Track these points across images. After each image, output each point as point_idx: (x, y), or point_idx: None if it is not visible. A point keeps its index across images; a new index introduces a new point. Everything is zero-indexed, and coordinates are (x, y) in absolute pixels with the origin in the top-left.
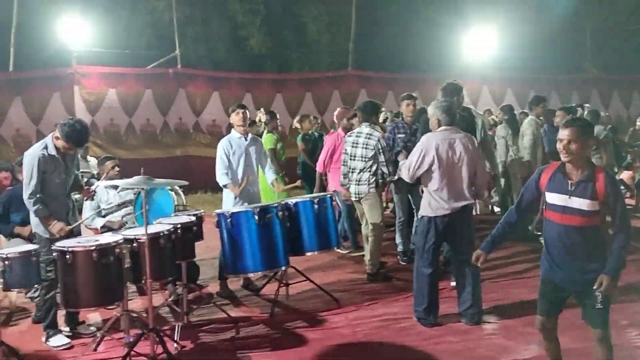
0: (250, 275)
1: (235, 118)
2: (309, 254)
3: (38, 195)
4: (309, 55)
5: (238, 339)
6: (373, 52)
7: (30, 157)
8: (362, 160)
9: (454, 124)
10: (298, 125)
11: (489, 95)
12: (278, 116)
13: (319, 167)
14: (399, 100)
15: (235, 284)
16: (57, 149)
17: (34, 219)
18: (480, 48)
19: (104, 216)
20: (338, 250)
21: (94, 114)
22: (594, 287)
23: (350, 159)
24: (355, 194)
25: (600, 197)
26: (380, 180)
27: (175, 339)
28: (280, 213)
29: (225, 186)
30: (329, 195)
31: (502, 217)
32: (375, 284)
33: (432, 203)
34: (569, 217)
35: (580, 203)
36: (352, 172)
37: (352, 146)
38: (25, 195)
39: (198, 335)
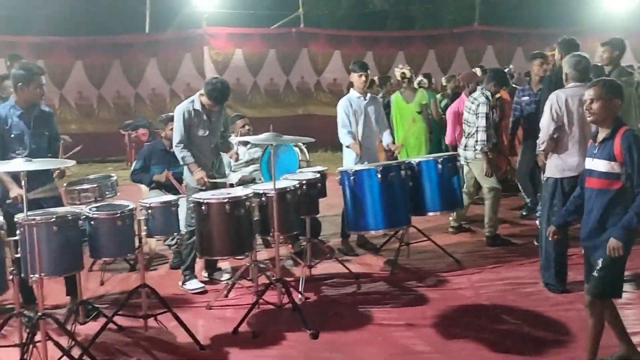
0: (372, 232)
1: (357, 80)
2: (431, 214)
3: (184, 144)
4: (433, 11)
5: (359, 294)
6: (501, 5)
7: (179, 110)
8: (467, 125)
9: (585, 81)
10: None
11: (630, 51)
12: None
13: (448, 139)
14: (529, 57)
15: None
16: (202, 105)
17: (186, 169)
18: None
19: (234, 171)
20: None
21: (221, 73)
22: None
23: (464, 124)
24: (464, 158)
25: (619, 158)
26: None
27: (300, 290)
28: (403, 172)
29: (348, 146)
30: (453, 155)
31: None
32: (500, 248)
33: (559, 164)
34: (591, 179)
35: (598, 164)
36: (463, 137)
37: (466, 111)
38: (174, 144)
39: (321, 288)
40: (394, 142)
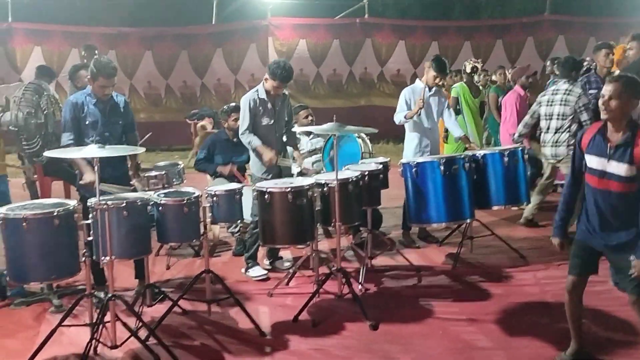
0: (434, 225)
1: (431, 79)
2: (495, 207)
3: (249, 130)
4: (501, 0)
5: (420, 287)
6: None
7: (245, 100)
8: (559, 119)
9: None
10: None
11: None
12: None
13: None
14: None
15: (414, 234)
16: (266, 92)
17: (252, 159)
18: None
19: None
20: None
21: None
22: (630, 273)
23: (546, 119)
24: (553, 155)
25: (637, 162)
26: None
27: (360, 281)
28: (467, 165)
29: (405, 117)
30: (520, 148)
31: (561, 197)
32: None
33: None
34: (606, 182)
35: (618, 168)
36: (547, 133)
37: (548, 105)
38: (240, 132)
39: (381, 280)
40: (467, 138)
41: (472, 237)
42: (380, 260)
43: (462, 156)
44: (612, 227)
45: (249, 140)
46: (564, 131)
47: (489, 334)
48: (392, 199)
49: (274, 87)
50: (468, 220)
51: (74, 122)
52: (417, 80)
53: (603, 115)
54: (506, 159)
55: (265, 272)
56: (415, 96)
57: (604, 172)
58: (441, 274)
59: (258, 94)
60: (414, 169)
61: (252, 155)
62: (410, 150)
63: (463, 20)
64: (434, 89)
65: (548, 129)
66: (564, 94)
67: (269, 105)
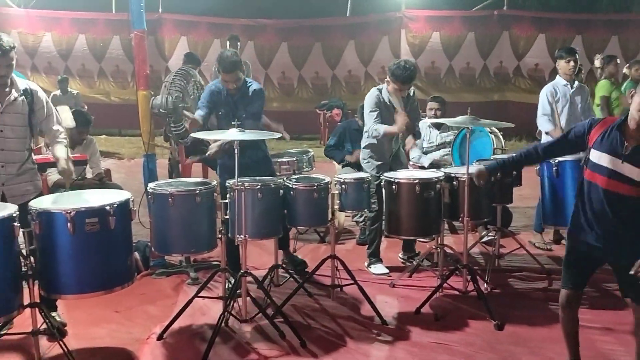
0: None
1: (565, 67)
2: None
3: (377, 124)
4: None
5: (550, 290)
6: None
7: (369, 98)
8: None
9: None
10: (627, 71)
11: None
12: (618, 61)
13: None
14: None
15: (546, 236)
16: (389, 93)
17: (364, 152)
18: None
19: (425, 154)
20: None
21: (417, 56)
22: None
23: None
24: None
25: None
26: None
27: (486, 279)
28: None
29: (547, 133)
30: None
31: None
32: None
33: None
34: (615, 183)
35: (631, 171)
36: None
37: None
38: (366, 128)
39: (508, 280)
40: None
41: None
42: (508, 260)
43: None
44: (618, 232)
45: (376, 128)
46: None
47: (627, 345)
48: (525, 198)
49: (395, 88)
50: None
51: (209, 103)
52: (558, 76)
53: (633, 125)
54: None
55: (387, 270)
56: (557, 92)
57: (615, 172)
58: None
59: (382, 94)
60: (553, 168)
61: (365, 152)
62: None
63: (611, 13)
64: (576, 84)
65: None
66: None
67: (391, 106)
